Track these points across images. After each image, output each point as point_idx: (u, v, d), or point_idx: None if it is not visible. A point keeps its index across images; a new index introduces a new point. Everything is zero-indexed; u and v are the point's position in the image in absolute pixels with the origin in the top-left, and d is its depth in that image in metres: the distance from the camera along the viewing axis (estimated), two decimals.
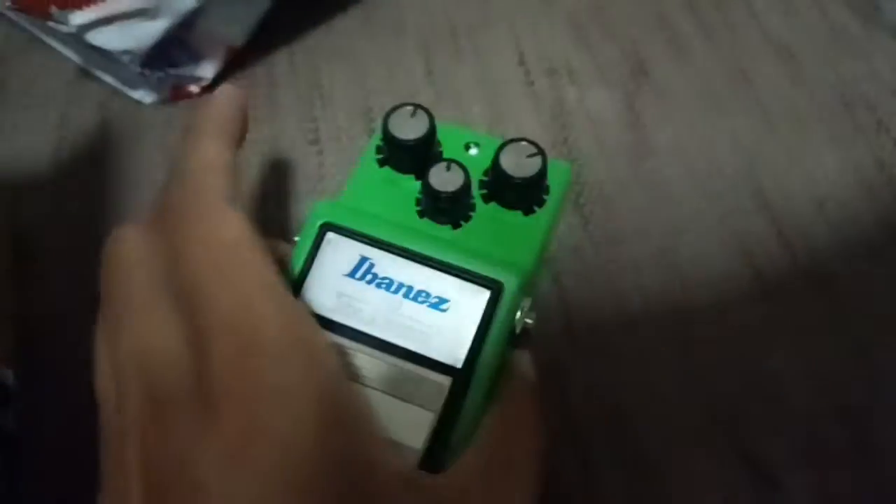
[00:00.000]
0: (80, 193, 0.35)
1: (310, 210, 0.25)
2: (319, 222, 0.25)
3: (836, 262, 0.32)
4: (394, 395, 0.23)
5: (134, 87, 0.37)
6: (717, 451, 0.29)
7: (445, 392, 0.23)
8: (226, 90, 0.26)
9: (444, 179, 0.25)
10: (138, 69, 0.34)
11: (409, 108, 0.27)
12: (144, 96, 0.37)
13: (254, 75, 0.38)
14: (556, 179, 0.27)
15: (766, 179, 0.34)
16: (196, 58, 0.36)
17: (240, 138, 0.25)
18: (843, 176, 0.34)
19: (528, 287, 0.25)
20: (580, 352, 0.31)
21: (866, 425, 0.29)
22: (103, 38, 0.32)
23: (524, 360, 0.24)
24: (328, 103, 0.37)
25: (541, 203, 0.27)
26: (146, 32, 0.32)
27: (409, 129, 0.26)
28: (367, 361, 0.23)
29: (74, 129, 0.37)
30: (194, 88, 0.37)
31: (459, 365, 0.23)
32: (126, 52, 0.33)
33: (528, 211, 0.27)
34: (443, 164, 0.26)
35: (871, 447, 0.29)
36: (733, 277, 0.32)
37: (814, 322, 0.31)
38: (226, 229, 0.21)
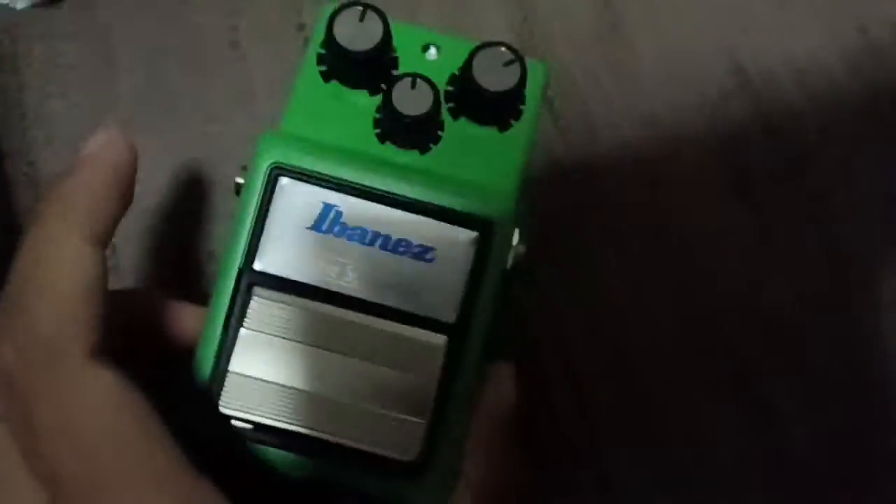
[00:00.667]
0: None
1: (254, 147, 0.21)
2: (268, 164, 0.21)
3: (816, 144, 0.31)
4: (385, 365, 0.21)
5: None
6: (715, 385, 0.28)
7: (442, 353, 0.21)
8: (98, 140, 0.19)
9: (409, 100, 0.21)
10: None
11: (357, 8, 0.22)
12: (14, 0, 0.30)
13: None
14: (531, 84, 0.23)
15: (744, 56, 0.31)
16: None
17: (116, 215, 0.19)
18: (823, 47, 0.31)
19: (516, 217, 0.22)
20: (560, 267, 0.29)
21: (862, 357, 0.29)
22: None
23: (503, 378, 0.22)
24: None
25: (517, 115, 0.24)
26: None
27: (358, 37, 0.22)
28: (347, 328, 0.21)
29: None
30: None
31: (453, 320, 0.21)
32: None
33: (503, 126, 0.23)
34: (406, 81, 0.22)
35: (869, 379, 0.29)
36: (710, 169, 0.30)
37: (794, 219, 0.30)
38: (88, 411, 0.16)
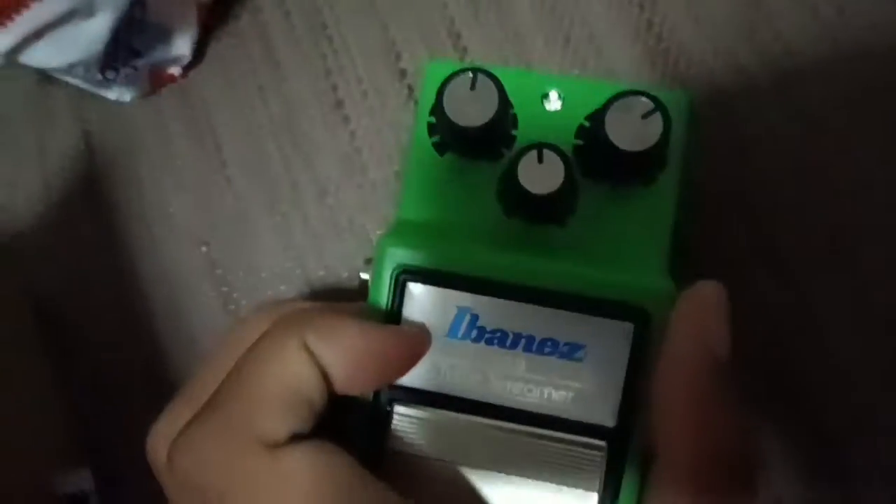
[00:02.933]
0: (87, 233, 0.30)
1: (376, 251, 0.19)
2: (392, 269, 0.19)
3: None
4: (541, 478, 0.18)
5: (107, 86, 0.29)
6: None
7: (603, 461, 0.18)
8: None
9: (537, 176, 0.18)
10: (99, 77, 0.27)
11: (468, 75, 0.19)
12: (122, 94, 0.30)
13: (240, 33, 0.30)
14: (675, 122, 0.19)
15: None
16: (164, 35, 0.28)
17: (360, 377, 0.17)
18: None
19: (675, 291, 0.19)
20: None
21: None
22: (41, 57, 0.25)
23: (708, 304, 0.17)
24: (340, 49, 0.29)
25: (662, 163, 0.20)
26: (89, 36, 0.24)
27: (472, 109, 0.19)
28: (496, 441, 0.18)
29: (58, 155, 0.31)
30: (175, 70, 0.30)
31: (612, 423, 0.18)
32: (75, 64, 0.25)
33: (648, 180, 0.20)
34: (532, 155, 0.19)
35: None
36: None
37: None
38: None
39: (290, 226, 0.28)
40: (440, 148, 0.21)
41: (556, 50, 0.28)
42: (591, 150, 0.20)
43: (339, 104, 0.29)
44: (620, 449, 0.18)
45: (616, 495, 0.18)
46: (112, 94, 0.30)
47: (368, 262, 0.21)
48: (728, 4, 0.27)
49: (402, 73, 0.29)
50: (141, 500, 0.27)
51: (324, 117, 0.29)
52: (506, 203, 0.20)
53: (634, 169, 0.20)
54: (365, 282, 0.20)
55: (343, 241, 0.28)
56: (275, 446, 0.15)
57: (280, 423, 0.16)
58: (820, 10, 0.27)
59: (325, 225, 0.28)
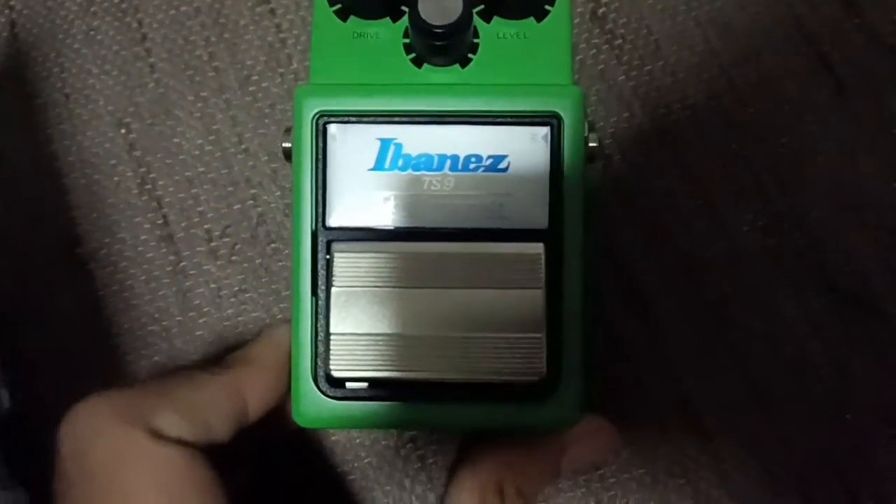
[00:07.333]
0: (9, 111, 0.29)
1: (295, 104, 0.20)
2: (312, 115, 0.20)
3: None
4: (486, 287, 0.19)
5: None
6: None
7: (542, 261, 0.19)
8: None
9: (437, 8, 0.19)
10: None
11: None
12: None
13: None
14: None
15: None
16: None
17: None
18: None
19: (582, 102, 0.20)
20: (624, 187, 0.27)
21: None
22: None
23: (601, 434, 0.22)
24: None
25: None
26: None
27: None
28: (439, 260, 0.19)
29: None
30: None
31: (545, 225, 0.19)
32: None
33: (539, 14, 0.21)
34: None
35: None
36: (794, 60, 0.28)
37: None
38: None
39: (211, 111, 0.28)
40: (342, 14, 0.21)
41: None
42: None
43: None
44: (556, 246, 0.19)
45: (561, 290, 0.19)
46: None
47: (288, 131, 0.21)
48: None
49: None
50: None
51: (251, 9, 0.29)
52: (413, 53, 0.21)
53: (524, 3, 0.21)
54: (288, 149, 0.21)
55: (264, 126, 0.28)
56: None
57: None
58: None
59: (247, 110, 0.28)
